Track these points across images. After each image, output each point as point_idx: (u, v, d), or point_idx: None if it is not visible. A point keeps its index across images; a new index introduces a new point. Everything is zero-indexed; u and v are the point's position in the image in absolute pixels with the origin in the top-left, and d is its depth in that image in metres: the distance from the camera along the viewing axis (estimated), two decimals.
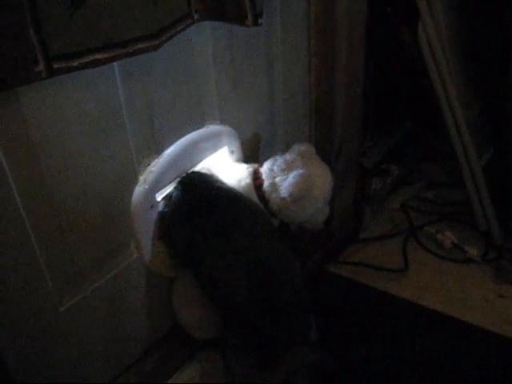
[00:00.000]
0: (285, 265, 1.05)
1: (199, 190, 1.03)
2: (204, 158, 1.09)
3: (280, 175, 1.08)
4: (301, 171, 1.06)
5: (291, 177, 1.06)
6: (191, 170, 1.07)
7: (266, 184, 1.09)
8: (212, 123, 1.10)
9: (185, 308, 1.10)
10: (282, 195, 1.07)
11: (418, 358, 1.26)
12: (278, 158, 1.11)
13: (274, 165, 1.10)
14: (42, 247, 0.84)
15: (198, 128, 1.07)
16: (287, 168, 1.08)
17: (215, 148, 1.11)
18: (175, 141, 1.02)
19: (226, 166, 1.13)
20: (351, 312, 1.40)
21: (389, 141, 1.72)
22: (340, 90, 1.36)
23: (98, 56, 0.76)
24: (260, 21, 0.88)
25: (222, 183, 1.08)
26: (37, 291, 0.86)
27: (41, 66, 0.71)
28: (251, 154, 1.21)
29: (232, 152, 1.15)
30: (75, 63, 0.74)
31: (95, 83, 0.83)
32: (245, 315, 1.00)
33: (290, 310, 1.02)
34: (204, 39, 1.00)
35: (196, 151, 1.06)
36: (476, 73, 1.53)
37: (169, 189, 1.03)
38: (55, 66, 0.72)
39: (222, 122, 1.12)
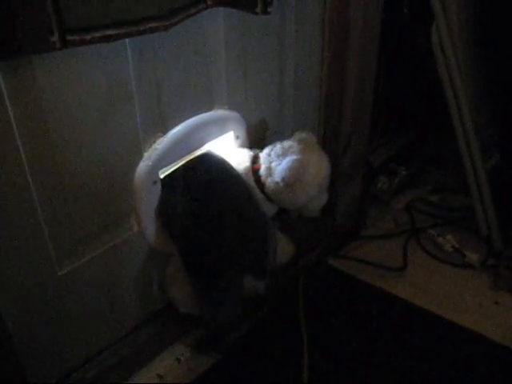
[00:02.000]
0: (258, 223, 1.10)
1: (203, 171, 1.06)
2: (209, 141, 1.12)
3: (276, 160, 1.11)
4: (294, 157, 1.09)
5: (285, 162, 1.09)
6: (202, 152, 1.10)
7: (262, 168, 1.12)
8: (220, 108, 1.12)
9: (176, 283, 1.13)
10: (276, 180, 1.09)
11: (407, 356, 1.27)
12: (276, 143, 1.14)
13: (271, 150, 1.13)
14: (45, 212, 0.88)
15: (206, 111, 1.10)
16: (283, 154, 1.11)
17: (221, 132, 1.14)
18: (182, 121, 1.05)
19: (229, 150, 1.16)
20: (346, 306, 1.41)
21: (398, 141, 1.73)
22: (351, 86, 1.37)
23: (111, 32, 0.79)
24: (269, 9, 0.90)
25: (227, 168, 1.11)
26: (37, 253, 0.90)
27: (55, 37, 0.74)
28: (256, 140, 1.24)
29: (237, 137, 1.17)
30: (88, 37, 0.77)
31: (107, 58, 0.87)
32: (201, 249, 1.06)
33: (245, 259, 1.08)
34: (216, 25, 1.03)
35: (202, 133, 1.09)
36: (488, 79, 1.53)
37: (172, 167, 1.06)
38: (69, 38, 0.75)
39: (230, 107, 1.14)
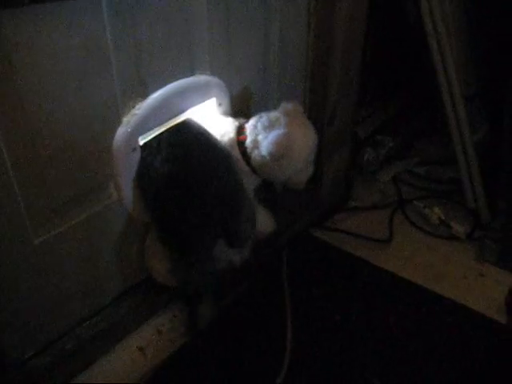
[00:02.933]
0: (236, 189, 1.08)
1: (183, 139, 1.03)
2: (190, 107, 1.09)
3: (262, 133, 1.08)
4: (282, 130, 1.06)
5: (271, 135, 1.06)
6: (182, 119, 1.07)
7: (248, 140, 1.09)
8: (202, 73, 1.09)
9: (154, 253, 1.11)
10: (262, 153, 1.07)
11: (392, 328, 1.27)
12: (263, 114, 1.11)
13: (258, 121, 1.10)
14: (20, 179, 0.85)
15: (187, 76, 1.06)
16: (270, 126, 1.08)
17: (203, 98, 1.10)
18: (162, 86, 1.01)
19: (212, 118, 1.13)
20: (331, 278, 1.40)
21: (385, 112, 1.71)
22: (338, 54, 1.34)
23: None
24: None
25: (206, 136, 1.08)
26: (12, 221, 0.86)
27: None
28: (241, 109, 1.21)
29: (220, 105, 1.14)
30: None
31: (81, 18, 0.83)
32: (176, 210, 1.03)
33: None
34: None
35: (183, 99, 1.06)
36: (478, 50, 1.51)
37: (152, 133, 1.03)
38: None
39: (212, 72, 1.11)
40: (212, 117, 1.13)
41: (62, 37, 0.81)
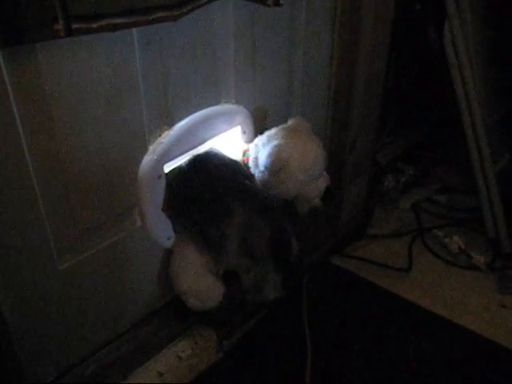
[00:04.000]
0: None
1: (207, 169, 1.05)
2: (215, 136, 1.10)
3: (261, 150, 1.06)
4: (276, 142, 1.04)
5: (267, 149, 1.04)
6: (207, 149, 1.08)
7: (250, 160, 1.09)
8: (227, 101, 1.10)
9: (181, 277, 1.10)
10: (261, 169, 1.05)
11: (411, 358, 1.26)
12: (265, 132, 1.09)
13: (259, 140, 1.09)
14: (47, 205, 0.86)
15: (213, 105, 1.07)
16: (268, 141, 1.06)
17: (228, 126, 1.11)
18: (188, 115, 1.03)
19: (232, 144, 1.14)
20: (350, 306, 1.40)
21: (406, 139, 1.71)
22: (360, 83, 1.35)
23: (118, 20, 0.77)
24: (281, 1, 0.88)
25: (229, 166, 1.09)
26: (38, 247, 0.87)
27: (60, 25, 0.72)
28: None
29: (244, 132, 1.15)
30: (94, 25, 0.75)
31: (113, 48, 0.84)
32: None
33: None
34: (226, 17, 1.01)
35: (208, 127, 1.07)
36: (500, 79, 1.51)
37: (177, 162, 1.04)
38: (74, 26, 0.73)
39: (237, 101, 1.12)
40: (233, 143, 1.14)
41: (93, 66, 0.83)
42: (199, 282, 1.09)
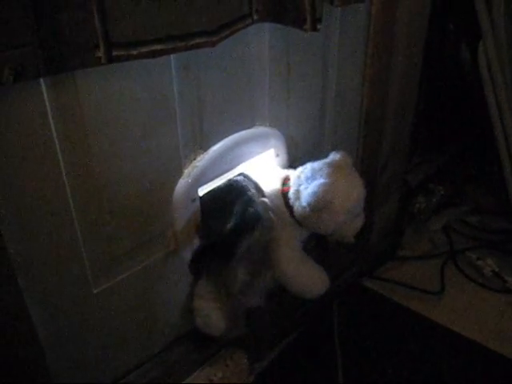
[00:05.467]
0: None
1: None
2: (249, 159, 1.09)
3: (305, 183, 1.04)
4: (322, 181, 1.02)
5: (311, 186, 1.02)
6: (240, 173, 1.08)
7: (291, 191, 1.07)
8: (261, 124, 1.10)
9: (197, 298, 1.10)
10: (302, 204, 1.03)
11: (444, 382, 1.23)
12: (308, 165, 1.08)
13: (302, 172, 1.07)
14: (83, 228, 0.86)
15: (247, 128, 1.07)
16: (312, 176, 1.04)
17: (261, 149, 1.11)
18: (223, 138, 1.02)
19: (265, 169, 1.13)
20: (381, 329, 1.38)
21: (437, 160, 1.69)
22: (392, 104, 1.34)
23: (158, 47, 0.77)
24: (319, 26, 0.88)
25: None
26: (74, 271, 0.87)
27: (101, 52, 0.72)
28: (296, 159, 1.21)
29: (277, 155, 1.14)
30: (134, 52, 0.75)
31: (151, 73, 0.85)
32: None
33: None
34: (261, 41, 1.01)
35: (242, 151, 1.06)
36: None
37: (212, 185, 1.04)
38: (115, 53, 0.73)
39: (271, 124, 1.12)
40: (266, 167, 1.14)
41: (130, 90, 0.83)
42: (217, 312, 1.09)
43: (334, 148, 1.23)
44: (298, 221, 1.08)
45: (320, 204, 1.00)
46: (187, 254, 1.05)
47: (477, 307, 1.45)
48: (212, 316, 1.10)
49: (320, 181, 1.02)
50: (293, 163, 1.19)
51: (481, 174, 1.83)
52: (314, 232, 1.12)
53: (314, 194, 1.00)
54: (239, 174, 1.08)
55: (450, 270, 1.58)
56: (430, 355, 1.31)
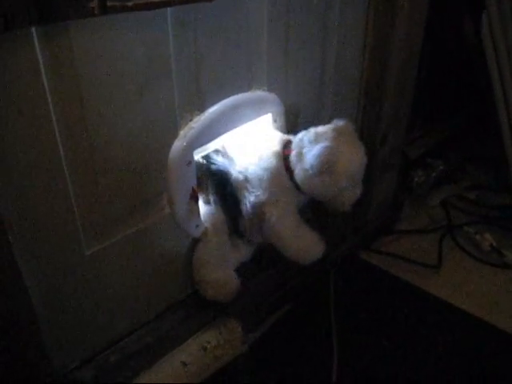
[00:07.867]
0: None
1: None
2: (246, 122, 1.07)
3: (308, 146, 1.03)
4: (327, 144, 1.01)
5: (315, 148, 1.01)
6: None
7: (293, 154, 1.05)
8: (258, 88, 1.08)
9: (204, 266, 1.10)
10: (305, 167, 1.03)
11: (440, 355, 1.23)
12: (311, 129, 1.07)
13: (305, 135, 1.06)
14: (76, 188, 0.84)
15: (244, 91, 1.05)
16: (316, 140, 1.03)
17: (258, 114, 1.09)
18: (219, 100, 1.00)
19: (263, 132, 1.11)
20: (378, 301, 1.37)
21: (437, 134, 1.68)
22: (393, 74, 1.32)
23: None
24: None
25: None
26: (67, 231, 0.86)
27: (95, 2, 0.70)
28: (293, 125, 1.19)
29: (275, 120, 1.13)
30: (130, 3, 0.73)
31: (146, 28, 0.82)
32: None
33: None
34: (260, 2, 0.98)
35: (239, 114, 1.04)
36: None
37: (207, 147, 1.02)
38: (109, 3, 0.72)
39: (269, 88, 1.09)
40: (264, 131, 1.12)
41: (126, 47, 0.81)
42: (218, 272, 1.10)
43: (333, 116, 1.21)
44: (298, 185, 1.07)
45: (323, 166, 1.00)
46: (180, 218, 1.03)
47: (474, 281, 1.45)
48: (227, 283, 1.12)
49: (324, 144, 1.01)
50: (291, 131, 1.18)
51: (480, 150, 1.82)
52: (312, 198, 1.11)
53: (319, 155, 1.00)
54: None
55: (447, 245, 1.57)
56: (426, 327, 1.30)
